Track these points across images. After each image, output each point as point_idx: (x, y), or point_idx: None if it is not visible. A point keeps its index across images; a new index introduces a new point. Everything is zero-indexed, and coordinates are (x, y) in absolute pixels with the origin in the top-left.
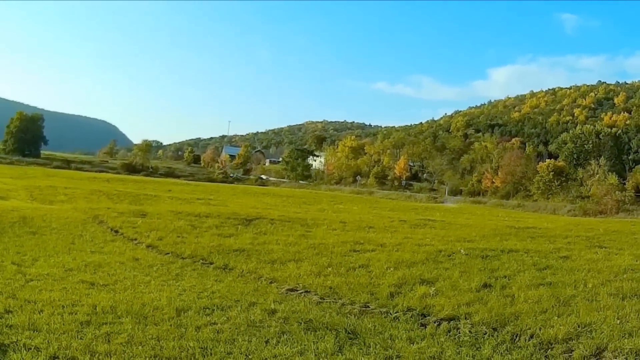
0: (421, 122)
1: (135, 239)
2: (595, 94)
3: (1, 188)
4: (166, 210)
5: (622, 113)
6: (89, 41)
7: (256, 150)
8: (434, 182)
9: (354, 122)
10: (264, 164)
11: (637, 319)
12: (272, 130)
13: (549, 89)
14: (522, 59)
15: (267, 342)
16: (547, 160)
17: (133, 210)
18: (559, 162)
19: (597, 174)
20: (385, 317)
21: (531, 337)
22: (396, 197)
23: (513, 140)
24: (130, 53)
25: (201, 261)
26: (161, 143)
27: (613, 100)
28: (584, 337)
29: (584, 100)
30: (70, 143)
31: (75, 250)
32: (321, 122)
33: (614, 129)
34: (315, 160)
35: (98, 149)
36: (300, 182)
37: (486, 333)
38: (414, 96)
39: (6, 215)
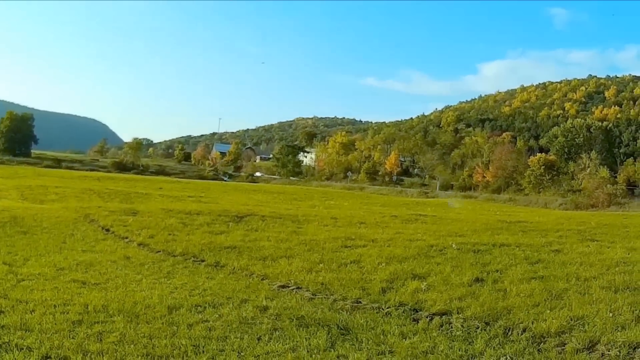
0: (412, 118)
1: (127, 238)
2: (586, 88)
3: None
4: (157, 208)
5: (612, 107)
6: (77, 40)
7: (247, 147)
8: (425, 177)
9: (344, 118)
10: (255, 161)
11: (630, 312)
12: (262, 127)
13: (539, 83)
14: (512, 53)
15: (259, 339)
16: (538, 154)
17: (124, 208)
18: (550, 156)
19: (588, 167)
20: (377, 312)
21: (524, 331)
22: (387, 193)
23: (504, 134)
24: (120, 51)
25: (192, 259)
26: (152, 141)
27: (604, 94)
28: (577, 331)
29: (574, 94)
30: (61, 142)
31: (67, 250)
32: (311, 118)
33: (604, 123)
34: (306, 157)
35: (88, 148)
36: (291, 178)
37: (478, 327)
38: (404, 91)
39: None
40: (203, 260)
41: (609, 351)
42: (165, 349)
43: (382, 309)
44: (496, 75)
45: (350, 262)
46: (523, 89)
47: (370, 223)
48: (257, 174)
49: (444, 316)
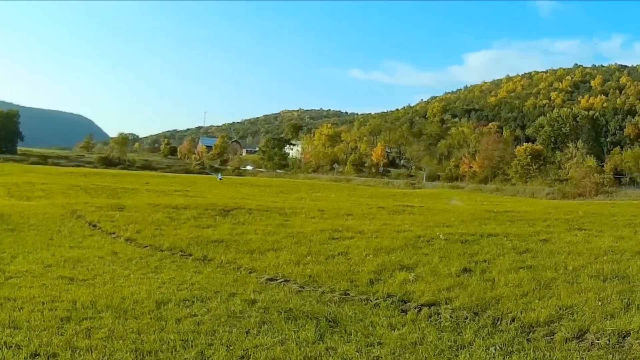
0: (397, 109)
1: (114, 233)
2: (572, 77)
3: None
4: (144, 203)
5: (599, 96)
6: (63, 35)
7: (233, 140)
8: (412, 168)
9: (330, 110)
10: (241, 154)
11: (619, 300)
12: (248, 120)
13: (525, 73)
14: (498, 43)
15: (247, 332)
16: (524, 144)
17: (111, 204)
18: (536, 145)
19: (575, 156)
20: (365, 304)
21: (512, 320)
22: (374, 184)
23: (490, 124)
24: (104, 46)
25: (180, 253)
26: (137, 136)
27: (590, 83)
28: (566, 320)
29: (560, 83)
30: (47, 138)
31: (54, 246)
32: (297, 110)
33: (591, 112)
34: (292, 149)
35: (74, 144)
36: (278, 171)
37: (467, 318)
38: (389, 82)
39: None
40: (190, 255)
41: (598, 340)
42: (154, 344)
43: (371, 301)
44: (482, 66)
45: (338, 254)
46: (509, 79)
47: (357, 215)
48: (248, 167)
49: (432, 307)
